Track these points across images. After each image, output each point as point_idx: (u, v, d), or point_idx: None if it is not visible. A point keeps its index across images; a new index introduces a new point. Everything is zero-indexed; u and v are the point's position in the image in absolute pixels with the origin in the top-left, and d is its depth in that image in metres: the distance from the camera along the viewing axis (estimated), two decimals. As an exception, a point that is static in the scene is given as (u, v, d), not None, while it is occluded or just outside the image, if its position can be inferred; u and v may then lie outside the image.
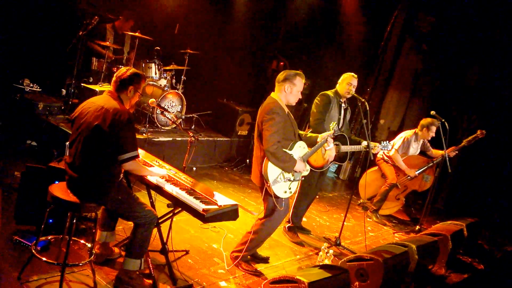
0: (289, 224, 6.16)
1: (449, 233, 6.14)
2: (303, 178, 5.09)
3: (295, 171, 4.81)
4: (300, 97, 4.97)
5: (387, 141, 6.18)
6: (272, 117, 4.67)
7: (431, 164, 7.67)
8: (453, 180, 9.56)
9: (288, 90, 4.82)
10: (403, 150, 7.62)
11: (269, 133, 4.63)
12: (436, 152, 7.63)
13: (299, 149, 4.90)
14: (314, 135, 5.24)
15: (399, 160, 7.57)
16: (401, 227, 7.77)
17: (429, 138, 7.57)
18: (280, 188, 4.75)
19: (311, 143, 5.15)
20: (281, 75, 4.87)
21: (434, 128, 7.41)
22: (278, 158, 4.63)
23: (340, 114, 6.04)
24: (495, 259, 7.06)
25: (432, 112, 7.12)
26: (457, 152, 7.52)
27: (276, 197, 4.76)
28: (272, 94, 4.90)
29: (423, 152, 7.89)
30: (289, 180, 4.81)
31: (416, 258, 5.28)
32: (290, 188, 4.84)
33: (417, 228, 7.55)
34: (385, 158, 7.74)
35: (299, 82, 4.84)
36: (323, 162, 5.91)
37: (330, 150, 5.60)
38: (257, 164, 4.80)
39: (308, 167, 5.06)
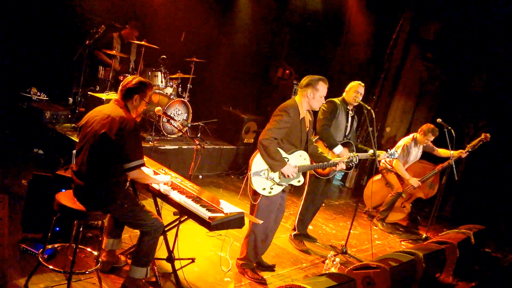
0: (295, 232, 6.16)
1: (456, 241, 6.09)
2: (289, 186, 5.02)
3: (283, 175, 4.78)
4: (324, 102, 5.00)
5: (393, 149, 6.17)
6: (281, 114, 4.70)
7: (435, 171, 7.63)
8: (460, 188, 9.51)
9: (310, 96, 4.84)
10: (404, 157, 7.57)
11: (270, 127, 4.66)
12: (444, 152, 7.54)
13: (298, 158, 4.88)
14: (327, 157, 5.21)
15: (402, 169, 7.53)
16: (407, 235, 7.73)
17: (425, 144, 7.54)
18: (259, 182, 4.70)
19: (320, 160, 5.13)
20: (304, 80, 4.90)
21: (431, 137, 7.42)
22: (268, 153, 4.61)
23: (347, 121, 6.04)
24: (502, 267, 7.01)
25: (438, 120, 7.11)
26: (467, 154, 7.44)
27: (254, 191, 4.73)
28: (295, 97, 4.92)
29: (427, 157, 7.85)
30: (272, 180, 4.75)
31: (423, 267, 5.24)
32: (271, 189, 4.77)
33: (424, 236, 7.52)
34: (388, 167, 7.70)
35: (322, 87, 4.85)
36: (330, 169, 5.91)
37: (341, 152, 5.62)
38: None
39: (301, 179, 5.00)
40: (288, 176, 4.78)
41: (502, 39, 9.01)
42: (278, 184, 4.80)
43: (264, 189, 4.74)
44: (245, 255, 4.97)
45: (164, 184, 4.16)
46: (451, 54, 9.49)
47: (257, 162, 4.68)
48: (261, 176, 4.70)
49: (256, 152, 4.69)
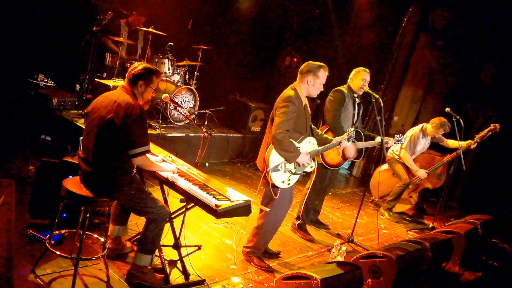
0: (299, 221, 6.10)
1: (463, 230, 6.09)
2: (304, 173, 5.02)
3: (298, 164, 4.77)
4: (322, 89, 4.95)
5: (400, 134, 6.13)
6: (286, 105, 4.67)
7: (444, 162, 7.57)
8: (467, 178, 9.48)
9: (310, 83, 4.81)
10: (411, 148, 7.50)
11: (279, 120, 4.63)
12: (453, 143, 7.45)
13: (308, 144, 4.88)
14: (329, 137, 5.21)
15: (409, 160, 7.46)
16: (414, 225, 7.72)
17: (435, 136, 7.46)
18: (278, 177, 4.71)
19: (323, 142, 5.12)
20: (304, 67, 4.86)
21: (442, 131, 7.34)
22: (283, 146, 4.61)
23: (354, 109, 6.00)
24: (509, 257, 7.00)
25: (447, 109, 7.05)
26: (475, 145, 7.36)
27: (273, 185, 4.73)
28: (294, 84, 4.88)
29: (434, 147, 7.80)
30: (290, 171, 4.76)
31: (429, 256, 5.24)
32: (289, 180, 4.79)
33: (430, 226, 7.51)
34: (396, 157, 7.64)
35: (323, 75, 4.83)
36: (339, 160, 5.90)
37: (349, 147, 5.51)
38: (264, 149, 4.80)
39: (313, 164, 5.02)
40: (303, 164, 4.78)
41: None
42: (294, 174, 4.81)
43: (283, 182, 4.75)
44: (253, 243, 4.97)
45: (170, 172, 4.15)
46: (461, 43, 9.40)
47: (273, 157, 4.67)
48: (280, 171, 4.71)
49: (270, 148, 4.67)
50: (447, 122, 7.26)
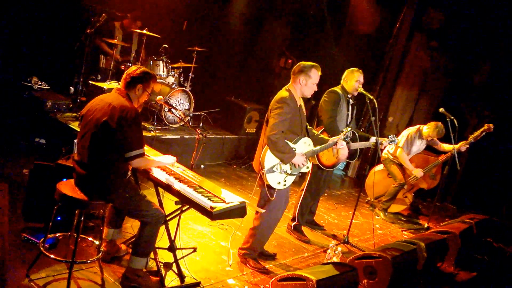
0: (294, 223, 6.10)
1: (458, 230, 6.10)
2: (300, 174, 5.02)
3: (294, 165, 4.77)
4: (316, 89, 4.93)
5: (394, 135, 6.13)
6: (281, 106, 4.67)
7: (438, 162, 7.58)
8: (462, 177, 9.50)
9: (303, 83, 4.79)
10: (408, 148, 7.48)
11: (274, 121, 4.63)
12: (448, 146, 7.45)
13: (304, 145, 4.88)
14: (326, 137, 5.21)
15: (405, 160, 7.45)
16: (409, 225, 7.73)
17: (429, 139, 7.47)
18: (274, 178, 4.71)
19: (320, 143, 5.11)
20: (296, 67, 4.85)
21: (436, 136, 7.34)
22: (278, 148, 4.61)
23: (348, 110, 6.00)
24: (504, 257, 7.01)
25: (441, 110, 7.06)
26: (467, 147, 7.37)
27: (269, 186, 4.73)
28: (288, 85, 4.88)
29: (428, 149, 7.81)
30: (286, 172, 4.76)
31: (425, 256, 5.25)
32: (285, 181, 4.79)
33: (425, 226, 7.52)
34: (391, 157, 7.64)
35: (315, 75, 4.81)
36: (335, 160, 5.89)
37: (343, 149, 5.50)
38: (260, 151, 4.79)
39: (309, 165, 5.03)
40: (298, 165, 4.78)
41: (507, 28, 8.94)
42: (290, 175, 4.81)
43: (279, 183, 4.75)
44: (249, 245, 4.96)
45: (170, 165, 4.16)
46: (455, 43, 9.42)
47: (269, 159, 4.67)
48: (275, 172, 4.70)
49: (265, 150, 4.67)
50: (443, 129, 7.25)
